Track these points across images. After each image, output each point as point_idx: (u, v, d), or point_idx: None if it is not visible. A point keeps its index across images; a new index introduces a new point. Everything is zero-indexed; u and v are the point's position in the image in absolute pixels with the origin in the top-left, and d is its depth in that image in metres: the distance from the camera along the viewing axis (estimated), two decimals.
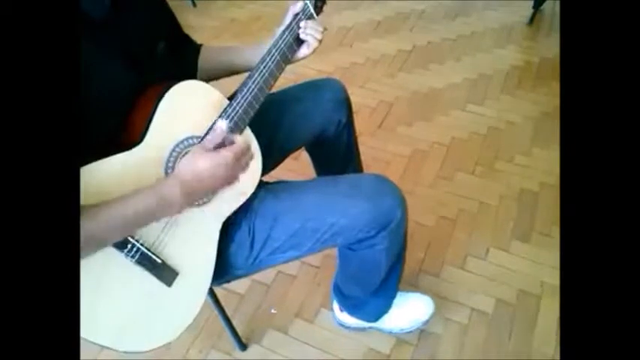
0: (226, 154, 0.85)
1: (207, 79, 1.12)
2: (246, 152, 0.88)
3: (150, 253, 0.88)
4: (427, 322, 1.41)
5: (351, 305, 1.39)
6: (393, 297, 1.36)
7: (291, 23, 1.05)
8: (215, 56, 1.16)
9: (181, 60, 1.08)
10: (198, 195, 0.89)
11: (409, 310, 1.41)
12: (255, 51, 1.09)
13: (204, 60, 1.16)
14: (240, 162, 0.87)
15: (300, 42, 1.08)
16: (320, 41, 1.07)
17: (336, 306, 1.44)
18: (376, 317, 1.39)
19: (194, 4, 2.96)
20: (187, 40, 1.17)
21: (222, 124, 0.86)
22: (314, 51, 1.08)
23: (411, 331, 1.41)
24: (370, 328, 1.43)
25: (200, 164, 0.84)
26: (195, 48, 1.17)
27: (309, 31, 1.05)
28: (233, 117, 0.96)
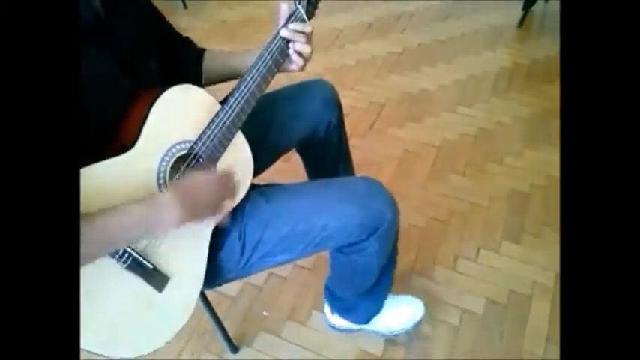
0: (217, 174, 0.91)
1: (212, 83, 1.12)
2: (231, 176, 0.93)
3: (141, 259, 0.88)
4: (417, 324, 1.42)
5: (342, 307, 1.39)
6: (384, 299, 1.37)
7: (281, 28, 1.04)
8: (221, 60, 1.15)
9: (181, 69, 1.08)
10: (193, 211, 0.87)
11: (399, 312, 1.41)
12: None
13: (208, 64, 1.15)
14: (227, 185, 0.92)
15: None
16: (309, 57, 1.06)
17: (327, 308, 1.45)
18: (367, 319, 1.40)
19: (185, 6, 2.95)
20: (188, 44, 1.16)
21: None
22: (302, 69, 1.07)
23: (399, 334, 1.42)
24: (360, 330, 1.43)
25: (192, 178, 0.88)
26: (198, 52, 1.16)
27: (298, 47, 1.03)
28: (226, 121, 0.96)
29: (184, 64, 1.12)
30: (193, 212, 0.87)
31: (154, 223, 0.82)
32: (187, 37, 1.16)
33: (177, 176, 0.94)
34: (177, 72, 1.06)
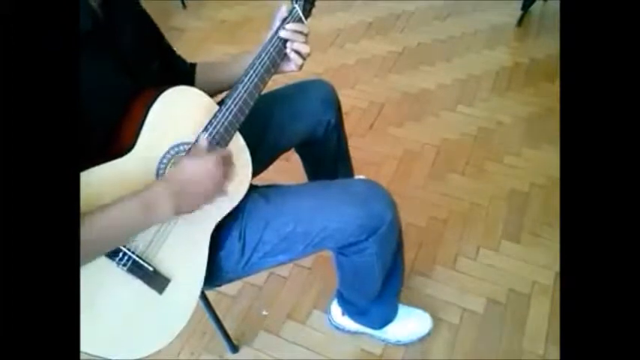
0: (211, 156, 0.87)
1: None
2: (228, 158, 0.91)
3: (141, 261, 0.88)
4: (424, 337, 1.42)
5: (355, 312, 1.39)
6: (395, 305, 1.37)
7: (279, 28, 1.04)
8: (212, 73, 1.15)
9: (176, 79, 1.08)
10: (189, 198, 0.86)
11: (410, 324, 1.42)
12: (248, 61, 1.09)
13: (202, 78, 1.16)
14: (224, 166, 0.89)
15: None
16: (307, 56, 1.06)
17: (336, 310, 1.45)
18: (382, 325, 1.40)
19: (184, 6, 2.95)
20: (180, 60, 1.17)
21: (203, 140, 0.91)
22: (300, 68, 1.07)
23: (405, 343, 1.42)
24: (368, 334, 1.43)
25: (187, 166, 0.86)
26: (189, 68, 1.16)
27: (297, 46, 1.03)
28: (223, 122, 0.96)
29: (176, 78, 1.11)
30: (189, 201, 0.86)
31: (149, 214, 0.82)
32: (179, 55, 1.17)
33: (171, 163, 0.92)
34: (171, 81, 1.06)
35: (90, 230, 0.75)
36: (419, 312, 1.44)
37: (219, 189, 0.89)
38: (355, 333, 1.44)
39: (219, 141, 0.96)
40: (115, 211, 0.79)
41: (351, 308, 1.39)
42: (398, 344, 1.42)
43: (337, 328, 1.46)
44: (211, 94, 1.08)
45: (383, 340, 1.42)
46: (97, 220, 0.77)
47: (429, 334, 1.43)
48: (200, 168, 0.86)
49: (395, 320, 1.39)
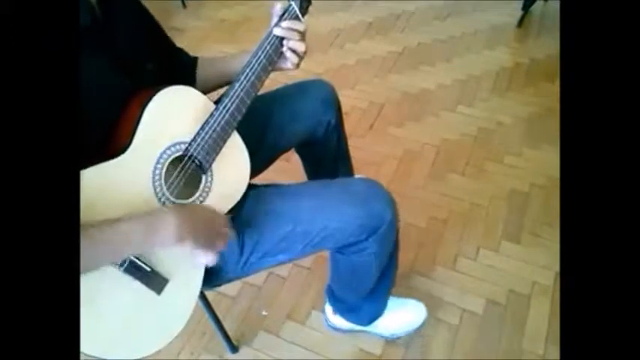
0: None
1: (208, 91, 1.12)
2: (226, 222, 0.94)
3: (139, 262, 0.87)
4: (419, 328, 1.42)
5: (345, 309, 1.39)
6: (385, 301, 1.37)
7: (275, 26, 1.03)
8: (217, 68, 1.15)
9: (176, 75, 1.07)
10: (191, 230, 0.84)
11: (401, 316, 1.41)
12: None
13: (203, 73, 1.15)
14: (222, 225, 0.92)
15: None
16: (304, 54, 1.05)
17: (328, 309, 1.45)
18: (369, 321, 1.39)
19: (184, 5, 2.95)
20: (181, 54, 1.16)
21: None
22: (297, 67, 1.06)
23: (400, 337, 1.42)
24: (362, 331, 1.43)
25: (197, 206, 0.92)
26: (191, 61, 1.16)
27: (292, 44, 1.02)
28: (220, 121, 0.95)
29: (178, 72, 1.11)
30: (192, 232, 0.84)
31: (151, 233, 0.80)
32: (181, 48, 1.16)
33: (173, 177, 0.93)
34: (170, 79, 1.06)
35: (91, 241, 0.74)
36: (412, 302, 1.43)
37: (217, 237, 0.90)
38: (352, 332, 1.43)
39: (216, 140, 0.96)
40: (119, 223, 0.77)
41: (341, 305, 1.39)
42: (393, 337, 1.41)
43: (334, 328, 1.45)
44: (210, 90, 1.07)
45: (378, 335, 1.42)
46: (99, 230, 0.76)
47: (424, 324, 1.42)
48: (210, 212, 0.90)
49: (387, 313, 1.38)
